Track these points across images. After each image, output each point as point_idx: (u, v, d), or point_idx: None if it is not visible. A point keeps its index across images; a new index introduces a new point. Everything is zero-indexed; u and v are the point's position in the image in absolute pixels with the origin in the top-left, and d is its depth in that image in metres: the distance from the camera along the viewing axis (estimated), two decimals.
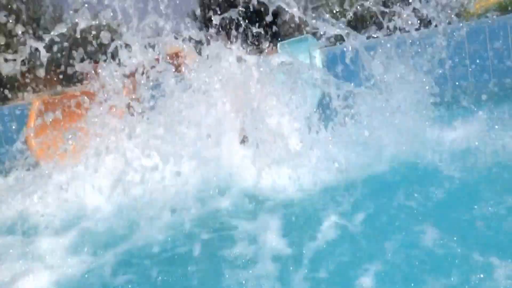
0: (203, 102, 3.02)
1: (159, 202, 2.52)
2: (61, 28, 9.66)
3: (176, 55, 2.80)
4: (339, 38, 6.88)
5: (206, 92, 3.11)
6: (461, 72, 5.76)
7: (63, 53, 9.65)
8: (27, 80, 8.97)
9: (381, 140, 3.19)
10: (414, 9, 5.79)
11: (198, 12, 33.32)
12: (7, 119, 5.73)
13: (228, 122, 2.83)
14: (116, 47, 3.74)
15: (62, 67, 9.58)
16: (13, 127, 5.70)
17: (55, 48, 9.15)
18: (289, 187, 2.60)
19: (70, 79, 9.48)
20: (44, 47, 9.58)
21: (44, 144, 5.11)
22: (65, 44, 9.75)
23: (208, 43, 6.28)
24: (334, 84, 3.67)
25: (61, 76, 9.37)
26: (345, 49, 5.41)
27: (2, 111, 5.78)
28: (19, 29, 8.96)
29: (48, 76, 9.55)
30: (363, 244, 1.89)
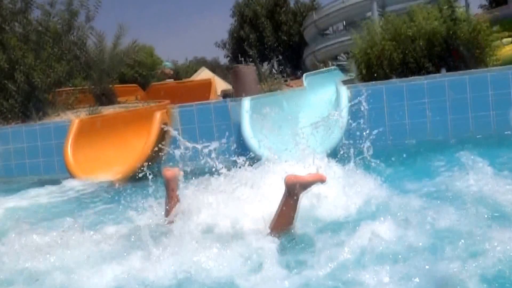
0: None
1: None
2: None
3: None
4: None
5: None
6: None
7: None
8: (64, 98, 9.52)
9: None
10: None
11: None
12: (48, 135, 6.13)
13: None
14: None
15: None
16: (53, 142, 6.10)
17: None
18: None
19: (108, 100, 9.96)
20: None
21: (81, 161, 5.44)
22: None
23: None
24: None
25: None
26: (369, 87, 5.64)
27: (47, 126, 6.19)
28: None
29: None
30: None
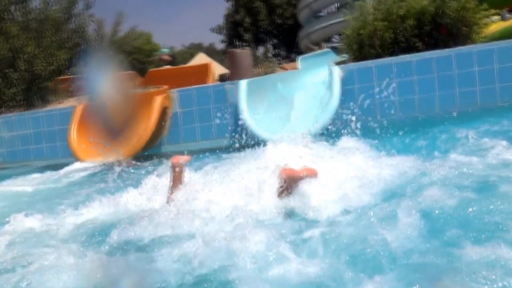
0: None
1: None
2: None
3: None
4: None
5: None
6: None
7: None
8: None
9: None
10: None
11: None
12: (53, 120, 6.35)
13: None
14: None
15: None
16: (57, 127, 6.32)
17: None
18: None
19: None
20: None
21: (86, 143, 5.66)
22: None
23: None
24: None
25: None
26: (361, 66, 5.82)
27: (51, 113, 6.40)
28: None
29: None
30: None
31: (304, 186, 2.81)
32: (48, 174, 5.08)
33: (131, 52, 18.05)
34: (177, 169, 3.23)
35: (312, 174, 2.91)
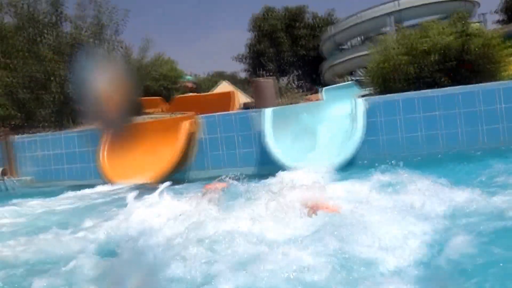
0: None
1: None
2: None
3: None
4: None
5: None
6: None
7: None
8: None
9: None
10: None
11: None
12: (84, 142, 6.60)
13: None
14: None
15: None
16: (89, 148, 6.57)
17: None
18: None
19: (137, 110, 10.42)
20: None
21: (114, 166, 5.84)
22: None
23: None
24: None
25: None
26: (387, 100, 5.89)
27: (84, 133, 6.66)
28: None
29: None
30: None
31: None
32: (77, 193, 5.21)
33: (157, 78, 18.58)
34: (209, 196, 3.31)
35: (336, 212, 2.91)
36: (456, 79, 6.61)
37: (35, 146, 6.84)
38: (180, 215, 3.03)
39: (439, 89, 5.85)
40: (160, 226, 2.96)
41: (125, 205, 3.77)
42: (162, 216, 3.15)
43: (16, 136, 6.98)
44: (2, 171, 6.24)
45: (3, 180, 6.18)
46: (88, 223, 3.34)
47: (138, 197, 4.23)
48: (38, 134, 7.24)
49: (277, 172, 4.98)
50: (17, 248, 2.81)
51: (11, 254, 2.70)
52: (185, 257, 2.29)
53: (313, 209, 2.91)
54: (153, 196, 3.66)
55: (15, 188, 6.18)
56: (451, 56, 6.75)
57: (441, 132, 5.65)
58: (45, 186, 6.30)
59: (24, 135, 7.16)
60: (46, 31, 9.51)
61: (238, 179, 4.65)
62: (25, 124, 9.47)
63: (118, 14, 10.29)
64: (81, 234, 3.05)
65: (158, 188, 5.06)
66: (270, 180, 4.59)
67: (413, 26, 11.44)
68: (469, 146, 5.50)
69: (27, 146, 6.86)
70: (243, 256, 2.28)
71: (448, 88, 5.87)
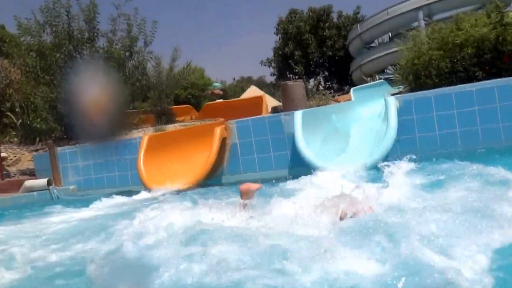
0: None
1: None
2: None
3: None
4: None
5: None
6: None
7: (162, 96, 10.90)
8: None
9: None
10: None
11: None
12: (122, 151, 6.86)
13: None
14: None
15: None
16: (127, 157, 6.82)
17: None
18: None
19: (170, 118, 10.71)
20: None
21: (153, 172, 6.03)
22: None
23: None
24: None
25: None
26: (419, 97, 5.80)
27: (121, 143, 6.90)
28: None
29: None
30: None
31: None
32: (119, 200, 5.40)
33: (186, 87, 18.89)
34: (245, 196, 3.34)
35: (369, 211, 2.90)
36: (493, 73, 6.42)
37: (76, 157, 7.13)
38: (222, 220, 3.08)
39: (474, 84, 5.70)
40: (199, 233, 3.04)
41: (164, 212, 3.91)
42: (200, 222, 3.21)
43: (59, 148, 7.31)
44: (48, 181, 6.55)
45: (48, 189, 6.49)
46: (124, 229, 3.43)
47: (174, 202, 4.37)
48: (78, 145, 7.55)
49: (310, 173, 5.01)
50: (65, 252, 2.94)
51: (57, 259, 2.81)
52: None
53: (344, 212, 2.87)
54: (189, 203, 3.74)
55: (59, 197, 6.49)
56: (486, 49, 6.55)
57: (480, 128, 5.49)
58: (87, 194, 6.55)
59: (66, 146, 7.49)
60: (82, 47, 9.92)
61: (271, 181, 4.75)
62: (65, 136, 9.89)
63: (147, 26, 10.56)
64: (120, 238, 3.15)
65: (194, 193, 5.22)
66: (303, 182, 4.64)
67: (444, 19, 11.22)
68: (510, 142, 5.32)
69: (69, 156, 7.17)
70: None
71: (485, 81, 5.70)
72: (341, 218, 2.88)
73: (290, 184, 4.71)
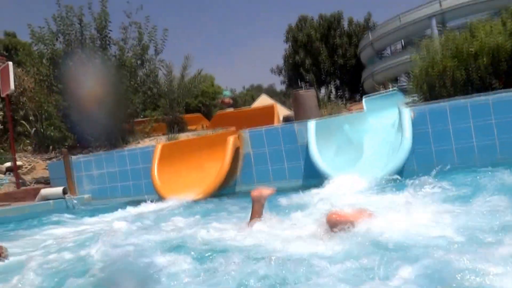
0: None
1: None
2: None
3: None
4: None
5: None
6: None
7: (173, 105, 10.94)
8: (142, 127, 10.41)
9: None
10: None
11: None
12: (135, 159, 6.91)
13: None
14: None
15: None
16: (140, 166, 6.86)
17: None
18: None
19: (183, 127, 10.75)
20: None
21: (166, 182, 6.04)
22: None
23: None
24: None
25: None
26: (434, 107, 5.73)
27: (134, 151, 6.97)
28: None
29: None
30: None
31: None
32: (133, 210, 5.40)
33: (197, 95, 18.95)
34: (257, 203, 3.32)
35: (366, 216, 2.84)
36: (510, 82, 6.32)
37: (90, 165, 7.18)
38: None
39: (491, 94, 5.61)
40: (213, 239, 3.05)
41: (175, 224, 3.93)
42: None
43: (73, 156, 7.37)
44: (63, 189, 6.60)
45: (64, 198, 6.54)
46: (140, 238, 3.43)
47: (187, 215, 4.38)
48: (92, 154, 7.61)
49: (322, 184, 5.01)
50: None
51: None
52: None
53: (336, 223, 2.77)
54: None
55: (75, 206, 6.53)
56: (502, 58, 6.45)
57: (498, 141, 5.38)
58: (101, 204, 6.58)
59: (80, 155, 7.55)
60: (94, 56, 10.00)
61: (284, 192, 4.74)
62: (78, 144, 9.97)
63: (157, 34, 10.63)
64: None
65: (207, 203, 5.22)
66: (313, 193, 4.65)
67: (458, 27, 11.13)
68: None
69: (83, 165, 7.22)
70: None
71: (502, 92, 5.61)
72: (332, 229, 2.77)
73: (301, 196, 4.69)
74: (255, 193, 3.38)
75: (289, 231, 3.05)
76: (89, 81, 9.23)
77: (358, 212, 2.91)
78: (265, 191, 3.40)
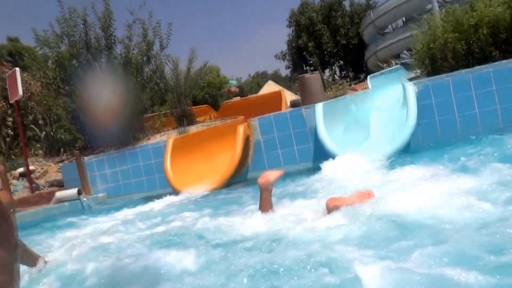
0: None
1: None
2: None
3: None
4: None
5: None
6: None
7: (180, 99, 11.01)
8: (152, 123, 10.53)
9: None
10: None
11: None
12: (148, 155, 7.07)
13: None
14: None
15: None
16: (152, 161, 7.01)
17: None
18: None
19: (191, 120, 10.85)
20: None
21: (180, 175, 6.19)
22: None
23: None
24: None
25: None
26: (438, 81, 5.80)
27: (146, 148, 7.13)
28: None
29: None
30: None
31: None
32: (149, 205, 5.53)
33: (203, 87, 18.97)
34: (264, 190, 3.31)
35: (365, 198, 2.91)
36: (509, 51, 6.37)
37: (103, 165, 7.34)
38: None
39: (491, 64, 5.67)
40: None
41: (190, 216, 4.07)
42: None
43: (85, 157, 7.52)
44: (78, 190, 6.74)
45: (79, 199, 6.67)
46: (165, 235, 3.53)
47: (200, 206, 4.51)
48: (104, 153, 7.76)
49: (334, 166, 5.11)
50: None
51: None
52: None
53: (335, 208, 2.85)
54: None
55: (91, 206, 6.66)
56: (502, 28, 6.49)
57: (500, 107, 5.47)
58: (116, 202, 6.73)
59: (92, 156, 7.70)
60: (100, 55, 10.05)
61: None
62: (88, 145, 10.11)
63: (162, 29, 10.60)
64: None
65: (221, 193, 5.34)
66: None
67: (458, 1, 11.01)
68: None
69: (95, 165, 7.38)
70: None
71: (501, 62, 5.67)
72: (329, 211, 2.87)
73: (309, 180, 4.80)
74: (261, 180, 3.35)
75: (295, 217, 3.11)
76: (96, 81, 9.32)
77: (357, 195, 2.98)
78: (271, 175, 3.37)
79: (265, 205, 3.33)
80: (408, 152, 5.37)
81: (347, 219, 2.74)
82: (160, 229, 3.77)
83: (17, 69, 8.42)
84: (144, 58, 10.51)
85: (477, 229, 2.23)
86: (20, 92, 8.06)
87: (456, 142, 5.27)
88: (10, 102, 8.57)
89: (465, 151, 4.38)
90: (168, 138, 7.16)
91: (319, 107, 6.18)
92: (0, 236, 1.49)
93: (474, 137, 5.27)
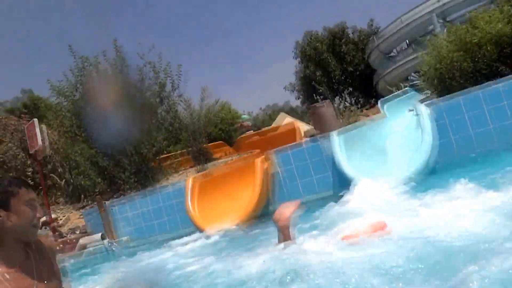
0: None
1: None
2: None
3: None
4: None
5: None
6: None
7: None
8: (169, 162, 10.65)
9: None
10: None
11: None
12: (168, 196, 7.15)
13: None
14: None
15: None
16: (173, 201, 7.09)
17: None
18: None
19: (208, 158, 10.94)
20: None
21: (202, 213, 6.24)
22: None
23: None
24: None
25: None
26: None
27: (166, 188, 7.22)
28: None
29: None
30: None
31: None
32: (173, 247, 5.56)
33: (216, 123, 19.17)
34: (281, 228, 2.90)
35: (379, 229, 2.92)
36: None
37: (125, 208, 7.43)
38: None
39: (499, 80, 5.73)
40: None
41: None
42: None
43: (107, 202, 7.62)
44: (102, 235, 6.81)
45: (103, 244, 6.73)
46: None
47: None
48: (125, 196, 7.86)
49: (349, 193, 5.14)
50: None
51: None
52: None
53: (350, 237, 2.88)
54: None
55: (115, 250, 6.70)
56: (505, 43, 6.56)
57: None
58: (140, 244, 6.77)
59: (114, 200, 7.81)
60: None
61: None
62: (108, 189, 10.22)
63: (172, 69, 10.82)
64: None
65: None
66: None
67: (459, 19, 11.18)
68: None
69: (118, 209, 7.47)
70: None
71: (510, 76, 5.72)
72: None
73: (326, 209, 4.80)
74: (275, 217, 2.91)
75: (315, 250, 2.96)
76: (112, 126, 9.49)
77: (371, 227, 3.00)
78: (287, 211, 2.92)
79: (286, 239, 3.02)
80: (427, 173, 5.37)
81: (362, 252, 2.71)
82: (189, 269, 3.80)
83: (35, 120, 8.57)
84: (157, 100, 10.73)
85: None
86: (40, 141, 8.15)
87: (474, 158, 5.27)
88: (30, 152, 8.73)
89: (484, 167, 4.37)
90: (188, 177, 7.26)
91: (334, 135, 6.26)
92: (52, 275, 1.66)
93: (491, 152, 5.26)
